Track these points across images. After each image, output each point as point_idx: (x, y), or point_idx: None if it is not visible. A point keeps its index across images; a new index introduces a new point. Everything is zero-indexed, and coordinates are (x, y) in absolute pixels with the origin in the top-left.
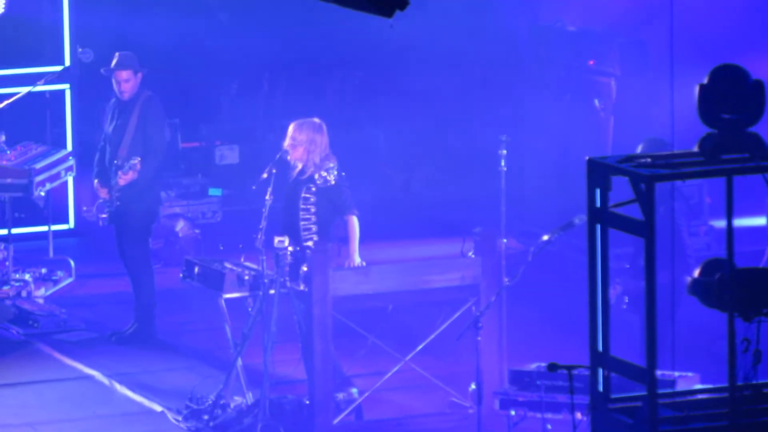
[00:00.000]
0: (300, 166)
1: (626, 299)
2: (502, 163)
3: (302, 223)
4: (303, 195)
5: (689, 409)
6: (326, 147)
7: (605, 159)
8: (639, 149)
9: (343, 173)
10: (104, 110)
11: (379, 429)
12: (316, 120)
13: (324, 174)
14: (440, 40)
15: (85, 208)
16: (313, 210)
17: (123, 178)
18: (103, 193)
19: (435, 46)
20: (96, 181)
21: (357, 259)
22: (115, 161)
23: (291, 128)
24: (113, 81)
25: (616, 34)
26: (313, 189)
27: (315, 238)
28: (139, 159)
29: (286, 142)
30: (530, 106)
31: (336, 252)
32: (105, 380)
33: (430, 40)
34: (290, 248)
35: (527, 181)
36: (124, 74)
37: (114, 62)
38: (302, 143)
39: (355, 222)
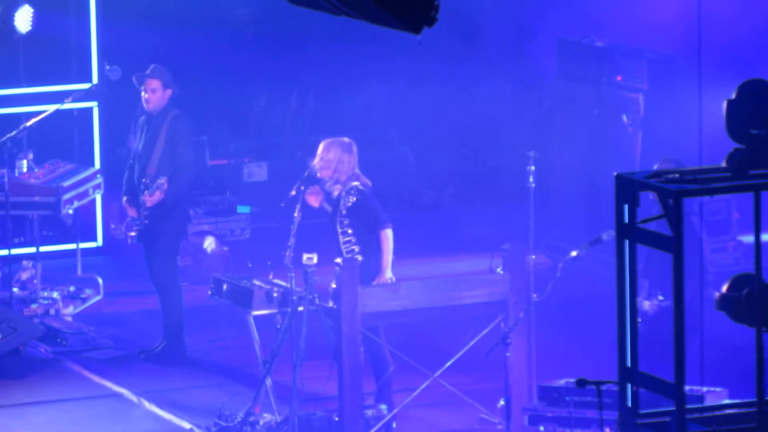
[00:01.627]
0: (330, 185)
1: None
2: (531, 179)
3: (344, 246)
4: (339, 219)
5: (718, 425)
6: (354, 167)
7: (633, 174)
8: (655, 168)
9: (364, 188)
10: (132, 128)
11: None
12: (346, 139)
13: (345, 194)
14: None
15: (113, 226)
16: (350, 231)
17: (150, 199)
18: (132, 212)
19: (462, 62)
20: (125, 199)
21: (388, 274)
22: (144, 180)
23: (320, 147)
24: (142, 90)
25: (644, 49)
26: (344, 212)
27: (359, 258)
28: (166, 179)
29: (315, 161)
30: (558, 122)
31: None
32: (134, 398)
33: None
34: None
35: (555, 197)
36: (153, 83)
37: (148, 71)
38: (331, 163)
39: (387, 235)
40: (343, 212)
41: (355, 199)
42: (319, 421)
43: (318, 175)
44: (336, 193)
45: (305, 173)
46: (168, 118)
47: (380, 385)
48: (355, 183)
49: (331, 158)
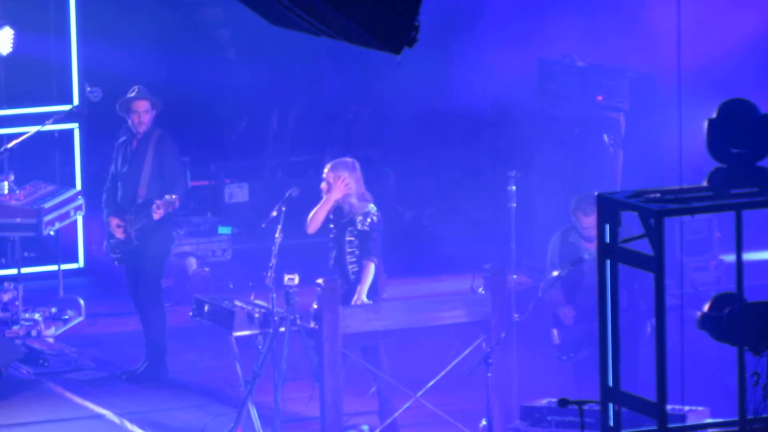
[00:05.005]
0: (337, 204)
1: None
2: (512, 199)
3: (350, 266)
4: (347, 239)
5: None
6: (362, 185)
7: (614, 194)
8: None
9: (378, 218)
10: (113, 150)
11: None
12: (349, 159)
13: (361, 218)
14: (448, 78)
15: (94, 247)
16: (357, 253)
17: (157, 213)
18: (119, 233)
19: (443, 84)
20: (111, 220)
21: (364, 299)
22: (138, 200)
23: (326, 170)
24: (130, 114)
25: (625, 69)
26: (355, 233)
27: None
28: (176, 197)
29: (323, 185)
30: (539, 142)
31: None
32: (116, 419)
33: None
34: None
35: (537, 217)
36: (144, 104)
37: (133, 93)
38: (350, 184)
39: (371, 269)
40: (354, 233)
41: (369, 224)
42: None
43: (333, 198)
44: (349, 216)
45: (286, 194)
46: (153, 138)
47: (382, 403)
48: (374, 209)
49: (348, 179)
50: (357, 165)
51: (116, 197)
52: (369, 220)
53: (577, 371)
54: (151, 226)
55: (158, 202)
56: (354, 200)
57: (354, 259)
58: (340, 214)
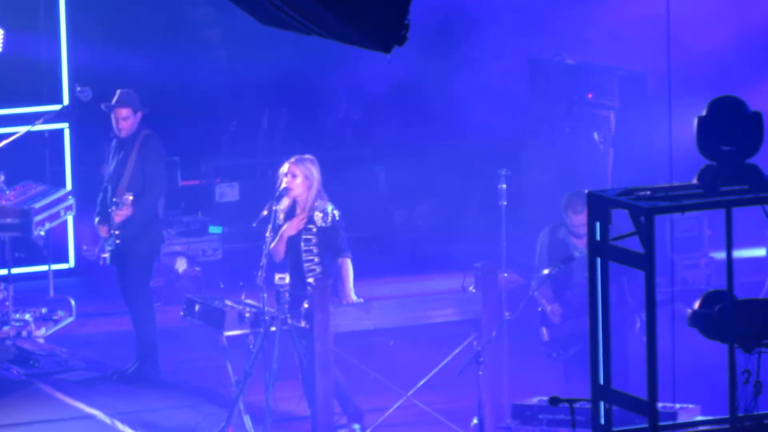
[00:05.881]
0: (292, 202)
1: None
2: (502, 197)
3: (306, 264)
4: (304, 237)
5: None
6: (320, 183)
7: (605, 192)
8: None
9: (339, 213)
10: (106, 151)
11: None
12: (308, 156)
13: (321, 215)
14: (438, 75)
15: (85, 247)
16: (315, 251)
17: (118, 214)
18: (103, 232)
19: (434, 81)
20: (97, 220)
21: (354, 297)
22: (114, 199)
23: (288, 167)
24: (112, 118)
25: (615, 67)
26: (314, 230)
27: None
28: (132, 195)
29: (288, 180)
30: (530, 140)
31: (334, 290)
32: (107, 419)
33: (429, 75)
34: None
35: (527, 215)
36: (124, 112)
37: (115, 99)
38: (301, 180)
39: (349, 265)
40: (314, 230)
41: (330, 219)
42: None
43: (289, 195)
44: (307, 212)
45: (277, 193)
46: (139, 139)
47: (344, 405)
48: (331, 205)
49: (313, 176)
50: (316, 162)
51: (106, 197)
52: (331, 216)
53: (566, 368)
54: (133, 226)
55: (116, 200)
56: (312, 196)
57: (311, 258)
58: (292, 213)
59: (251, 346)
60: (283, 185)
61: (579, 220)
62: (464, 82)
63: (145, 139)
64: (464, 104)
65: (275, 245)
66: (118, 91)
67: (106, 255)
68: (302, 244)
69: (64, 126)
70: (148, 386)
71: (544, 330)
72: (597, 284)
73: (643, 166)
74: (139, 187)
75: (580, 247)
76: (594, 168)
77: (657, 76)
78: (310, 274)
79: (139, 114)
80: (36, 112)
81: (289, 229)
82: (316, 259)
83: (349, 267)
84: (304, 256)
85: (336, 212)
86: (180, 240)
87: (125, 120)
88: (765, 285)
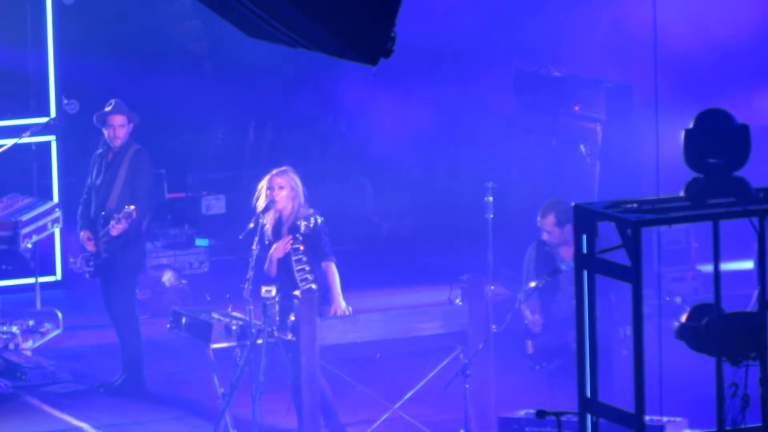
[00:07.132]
0: (278, 214)
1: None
2: (489, 210)
3: (298, 274)
4: (293, 247)
5: None
6: (304, 193)
7: (591, 205)
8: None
9: (321, 219)
10: (90, 161)
11: None
12: (286, 167)
13: (305, 222)
14: (424, 89)
15: (71, 260)
16: (305, 259)
17: (116, 228)
18: (90, 246)
19: (419, 95)
20: (83, 233)
21: (343, 304)
22: (103, 213)
23: (271, 179)
24: (106, 128)
25: (602, 79)
26: (300, 238)
27: (313, 286)
28: (134, 207)
29: (275, 193)
30: (516, 153)
31: (324, 298)
32: None
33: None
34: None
35: (514, 228)
36: (120, 119)
37: (110, 107)
38: (287, 192)
39: (334, 269)
40: (300, 238)
41: (313, 224)
42: None
43: (280, 206)
44: (292, 221)
45: (260, 208)
46: (129, 153)
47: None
48: (312, 210)
49: (285, 187)
50: (295, 172)
51: (90, 210)
52: (313, 220)
53: (550, 381)
54: (120, 239)
55: (116, 215)
56: (296, 205)
57: (302, 267)
58: (279, 224)
59: (238, 359)
60: (264, 198)
61: (545, 224)
62: (451, 95)
63: (135, 153)
64: (450, 116)
65: (267, 267)
66: (112, 101)
67: (90, 268)
68: (292, 257)
69: (51, 138)
70: (135, 399)
71: (529, 343)
72: (584, 297)
73: (629, 178)
74: (127, 201)
75: (566, 259)
76: (581, 180)
77: (643, 89)
78: (304, 284)
79: (131, 125)
80: (23, 125)
81: (276, 251)
82: (308, 267)
83: (334, 271)
84: (296, 266)
85: (319, 218)
86: (167, 252)
87: (121, 128)
88: (752, 298)
